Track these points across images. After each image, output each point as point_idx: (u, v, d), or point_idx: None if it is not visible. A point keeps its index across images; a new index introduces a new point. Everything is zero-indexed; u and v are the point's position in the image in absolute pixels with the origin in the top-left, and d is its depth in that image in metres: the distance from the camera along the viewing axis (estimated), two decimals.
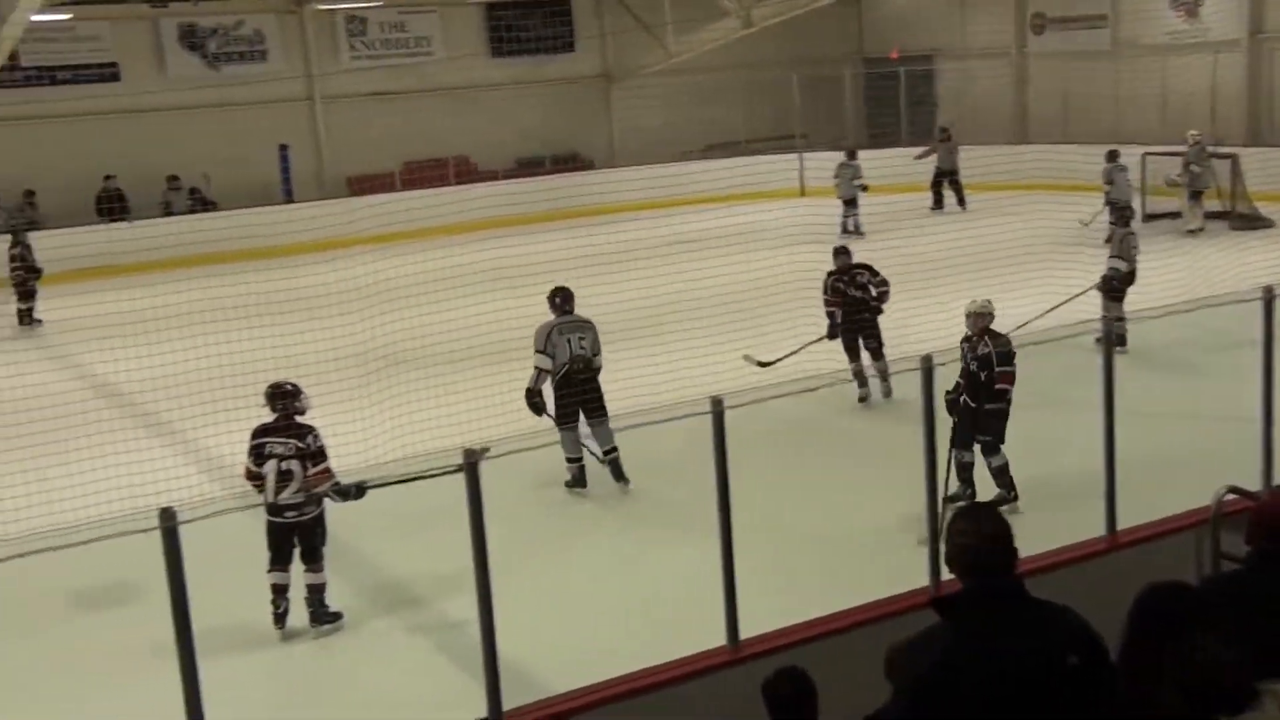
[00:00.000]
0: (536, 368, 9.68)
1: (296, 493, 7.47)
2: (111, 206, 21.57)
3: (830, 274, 11.74)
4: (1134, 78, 24.15)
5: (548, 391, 9.78)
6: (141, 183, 22.78)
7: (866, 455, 10.18)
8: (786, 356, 11.52)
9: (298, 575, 7.61)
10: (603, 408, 9.71)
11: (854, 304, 11.56)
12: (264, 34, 24.57)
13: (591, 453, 9.74)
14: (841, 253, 11.89)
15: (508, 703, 5.10)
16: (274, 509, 7.51)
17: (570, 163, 26.67)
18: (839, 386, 10.97)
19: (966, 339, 8.83)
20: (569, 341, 9.70)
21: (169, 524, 4.47)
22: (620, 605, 7.74)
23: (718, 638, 5.58)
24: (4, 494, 8.70)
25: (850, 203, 21.00)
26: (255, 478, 7.60)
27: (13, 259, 17.83)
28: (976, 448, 8.75)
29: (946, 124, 24.61)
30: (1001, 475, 8.74)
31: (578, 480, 9.78)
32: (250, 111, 23.95)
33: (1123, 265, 12.80)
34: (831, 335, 11.65)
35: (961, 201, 22.35)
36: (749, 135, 26.47)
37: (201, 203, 23.29)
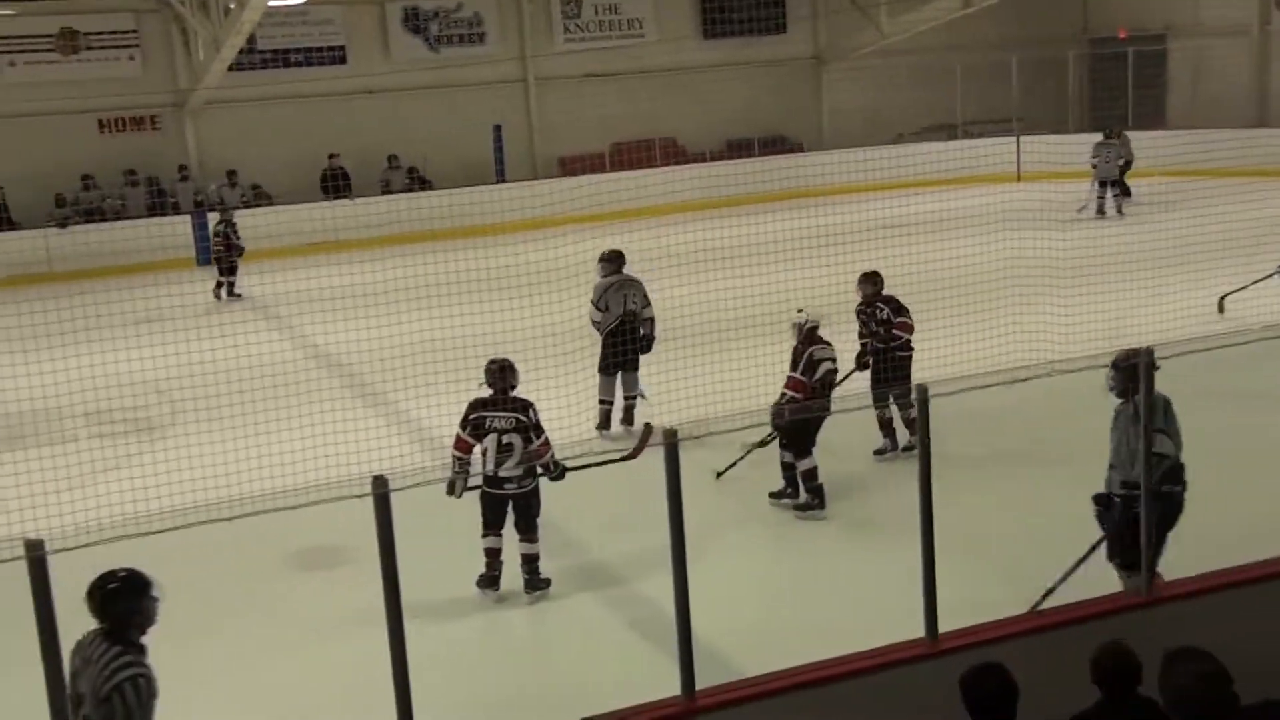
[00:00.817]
0: (592, 319, 11.10)
1: (517, 465, 7.65)
2: (336, 184, 22.45)
3: (858, 305, 10.16)
4: None
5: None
6: (364, 161, 23.70)
7: (1066, 451, 9.82)
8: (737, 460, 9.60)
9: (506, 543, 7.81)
10: (637, 358, 10.92)
11: (876, 339, 9.98)
12: (482, 16, 25.20)
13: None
14: (866, 280, 10.05)
15: (701, 682, 5.12)
16: (493, 481, 7.66)
17: (778, 145, 26.53)
18: (1042, 379, 10.55)
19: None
20: (624, 298, 10.98)
21: (381, 491, 4.62)
22: (816, 592, 7.68)
23: (915, 629, 5.48)
24: (224, 458, 9.15)
25: (1112, 184, 20.59)
26: (465, 450, 7.77)
27: (216, 235, 18.77)
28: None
29: (1113, 119, 23.45)
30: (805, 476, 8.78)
31: (603, 423, 10.79)
32: (467, 92, 24.60)
33: None
34: (860, 366, 9.96)
35: (1128, 195, 21.30)
36: (965, 118, 25.83)
37: (419, 181, 24.05)
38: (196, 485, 8.76)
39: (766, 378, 10.11)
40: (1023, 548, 7.96)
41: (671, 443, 4.98)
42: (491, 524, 7.76)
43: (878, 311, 9.92)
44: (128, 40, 23.08)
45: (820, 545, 8.47)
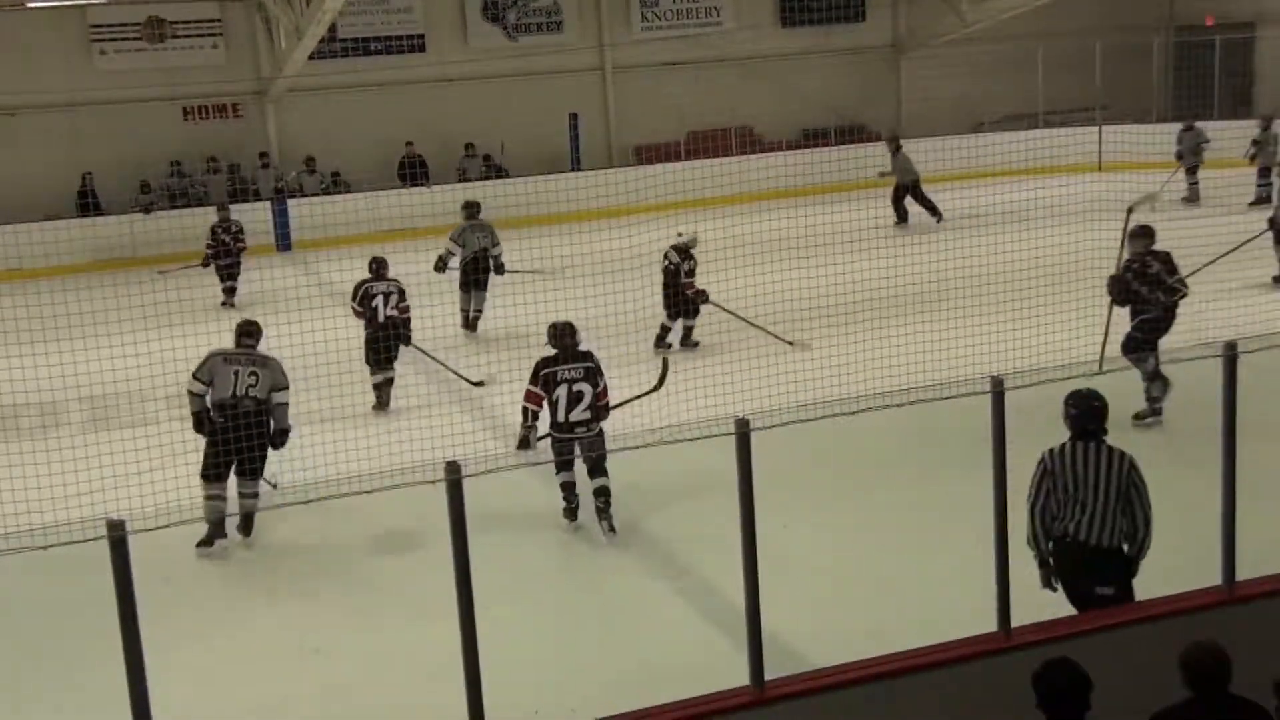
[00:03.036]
0: (448, 251, 14.29)
1: (584, 410, 8.39)
2: (413, 172, 22.62)
3: None
4: None
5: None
6: (442, 150, 23.87)
7: (1159, 445, 9.66)
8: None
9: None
10: (486, 280, 14.26)
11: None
12: (560, 5, 25.24)
13: None
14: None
15: (769, 673, 5.12)
16: (563, 427, 8.41)
17: (856, 134, 26.27)
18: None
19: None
20: (477, 238, 14.41)
21: (454, 476, 4.67)
22: (890, 585, 7.62)
23: (988, 623, 5.44)
24: (303, 442, 9.26)
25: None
26: (537, 402, 8.51)
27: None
28: None
29: (896, 133, 22.16)
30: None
31: (466, 324, 14.26)
32: (544, 81, 24.66)
33: None
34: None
35: (935, 212, 20.14)
36: (1046, 107, 25.44)
37: (495, 170, 24.17)
38: (275, 469, 8.90)
39: (838, 366, 10.07)
40: None
41: (744, 432, 4.98)
42: (562, 465, 8.51)
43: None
44: (212, 29, 23.45)
45: (898, 533, 8.41)
